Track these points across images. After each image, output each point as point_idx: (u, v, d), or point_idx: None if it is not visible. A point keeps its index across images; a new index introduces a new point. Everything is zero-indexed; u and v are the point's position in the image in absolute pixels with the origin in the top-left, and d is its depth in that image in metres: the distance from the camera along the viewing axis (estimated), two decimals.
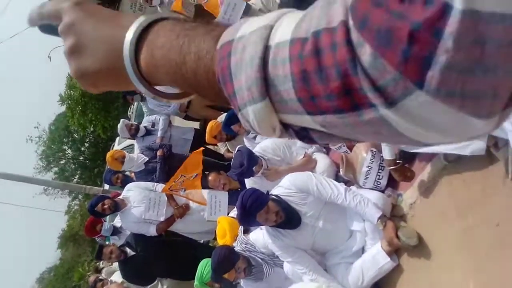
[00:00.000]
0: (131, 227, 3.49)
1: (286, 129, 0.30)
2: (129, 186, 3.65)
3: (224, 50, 0.30)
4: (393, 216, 2.11)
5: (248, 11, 3.57)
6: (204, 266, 2.45)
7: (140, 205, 3.36)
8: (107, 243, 4.33)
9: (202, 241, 3.83)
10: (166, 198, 3.38)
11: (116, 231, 3.93)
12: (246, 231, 2.65)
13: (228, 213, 2.91)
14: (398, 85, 0.21)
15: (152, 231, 3.34)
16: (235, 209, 2.52)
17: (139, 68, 0.36)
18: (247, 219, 2.14)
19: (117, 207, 3.38)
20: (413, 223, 2.02)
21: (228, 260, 2.27)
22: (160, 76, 0.35)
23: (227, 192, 3.07)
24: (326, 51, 0.24)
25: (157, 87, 0.38)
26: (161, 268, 3.47)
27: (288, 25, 0.27)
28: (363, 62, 0.22)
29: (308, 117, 0.27)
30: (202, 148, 3.35)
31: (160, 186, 3.49)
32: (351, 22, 0.23)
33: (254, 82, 0.28)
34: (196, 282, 2.50)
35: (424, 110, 0.21)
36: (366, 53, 0.22)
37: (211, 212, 2.99)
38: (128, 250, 3.41)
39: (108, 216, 4.01)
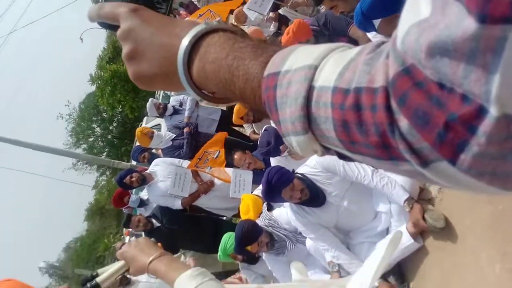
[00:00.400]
0: (157, 200, 3.60)
1: (328, 149, 0.32)
2: (156, 161, 3.77)
3: (271, 80, 0.32)
4: (421, 199, 2.08)
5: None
6: (228, 238, 2.52)
7: (166, 180, 3.46)
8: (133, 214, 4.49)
9: (225, 218, 3.91)
10: (192, 174, 3.47)
11: (142, 203, 4.07)
12: (269, 209, 2.69)
13: (251, 192, 2.95)
14: (432, 153, 0.23)
15: (177, 204, 3.44)
16: (260, 187, 2.56)
17: (190, 75, 0.39)
18: (272, 195, 2.17)
19: (144, 180, 3.50)
20: (441, 207, 1.99)
21: (251, 233, 2.31)
22: (210, 86, 0.39)
23: (251, 171, 3.11)
24: (367, 109, 0.25)
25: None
26: (185, 241, 3.58)
27: (332, 69, 0.29)
28: (400, 128, 0.23)
29: (348, 153, 0.29)
30: (227, 134, 3.46)
31: (186, 163, 3.58)
32: (390, 91, 0.24)
33: (298, 118, 0.30)
34: (219, 253, 2.56)
35: (456, 174, 0.22)
36: (404, 121, 0.23)
37: (235, 190, 3.05)
38: (154, 221, 3.54)
39: (134, 190, 4.16)
